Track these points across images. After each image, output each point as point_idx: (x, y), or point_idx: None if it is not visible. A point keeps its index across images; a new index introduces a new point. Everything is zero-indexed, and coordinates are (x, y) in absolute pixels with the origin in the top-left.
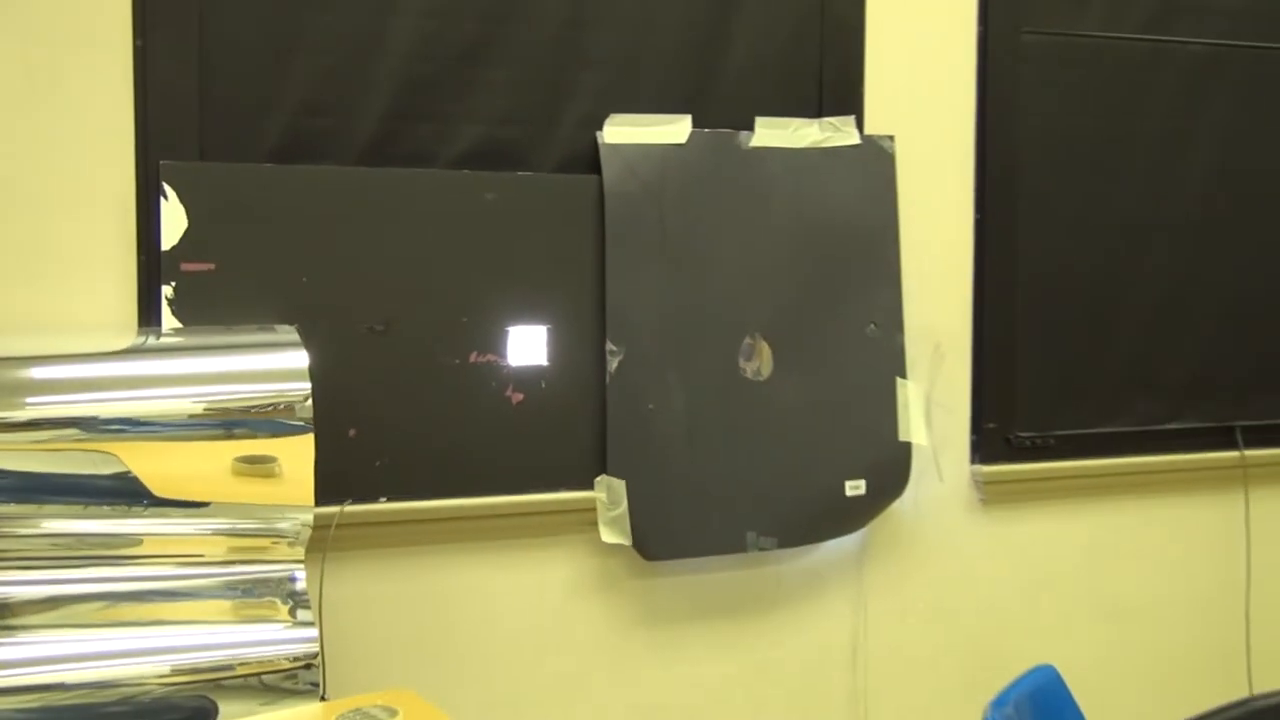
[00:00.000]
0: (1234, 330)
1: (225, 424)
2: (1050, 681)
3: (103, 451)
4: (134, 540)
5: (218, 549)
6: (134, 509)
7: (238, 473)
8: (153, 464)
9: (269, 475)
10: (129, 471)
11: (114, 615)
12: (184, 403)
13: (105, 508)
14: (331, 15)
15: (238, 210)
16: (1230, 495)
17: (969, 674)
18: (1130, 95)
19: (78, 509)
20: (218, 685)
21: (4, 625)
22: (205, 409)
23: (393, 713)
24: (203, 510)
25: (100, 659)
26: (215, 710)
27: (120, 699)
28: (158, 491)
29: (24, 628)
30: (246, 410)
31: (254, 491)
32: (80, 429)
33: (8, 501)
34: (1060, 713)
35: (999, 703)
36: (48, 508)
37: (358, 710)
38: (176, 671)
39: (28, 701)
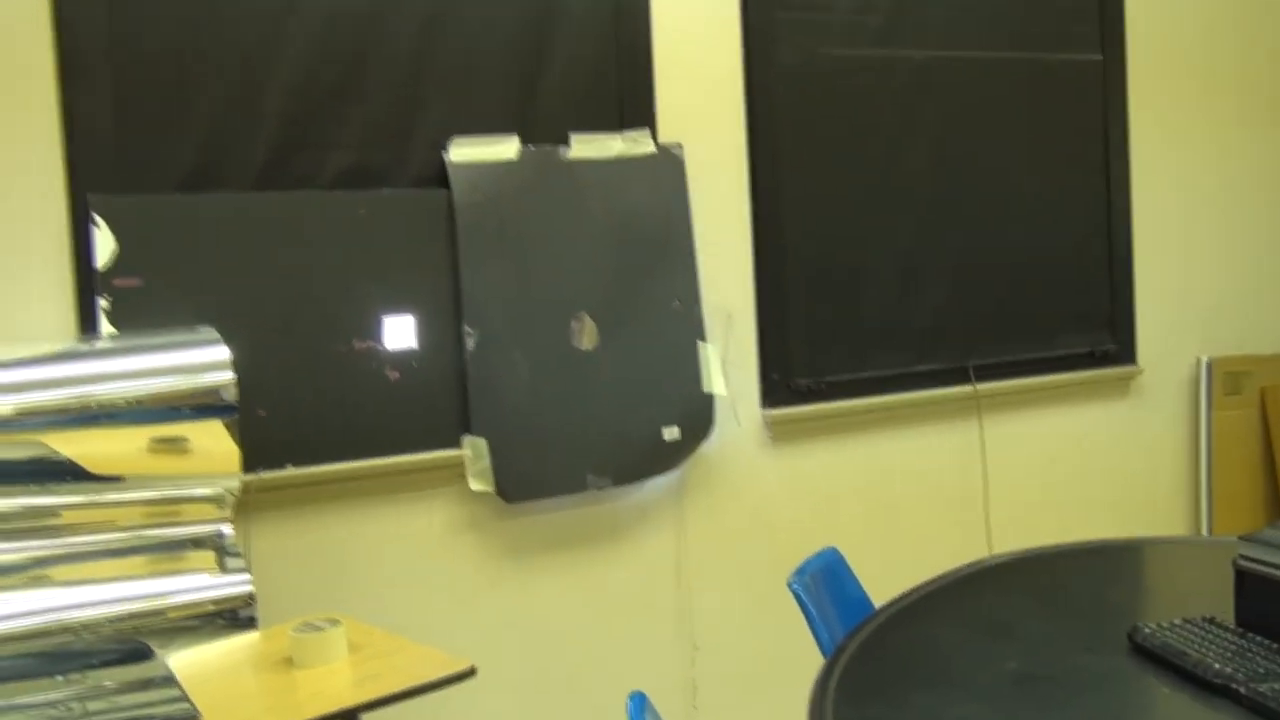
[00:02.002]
0: (962, 288)
1: (151, 411)
2: (835, 558)
3: (33, 440)
4: (53, 512)
5: (132, 515)
6: (51, 486)
7: (153, 450)
8: (76, 449)
9: (182, 451)
10: (50, 455)
11: (41, 577)
12: (113, 393)
13: (26, 487)
14: (222, 67)
15: (158, 233)
16: (967, 420)
17: (772, 579)
18: (864, 100)
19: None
20: (151, 630)
21: None
22: (135, 398)
23: (335, 622)
24: (117, 484)
25: (31, 614)
26: (149, 651)
27: (55, 646)
28: (76, 472)
29: None
30: (172, 396)
31: (167, 465)
32: (14, 424)
33: None
34: (843, 580)
35: (799, 573)
36: None
37: (306, 623)
38: (103, 620)
39: None
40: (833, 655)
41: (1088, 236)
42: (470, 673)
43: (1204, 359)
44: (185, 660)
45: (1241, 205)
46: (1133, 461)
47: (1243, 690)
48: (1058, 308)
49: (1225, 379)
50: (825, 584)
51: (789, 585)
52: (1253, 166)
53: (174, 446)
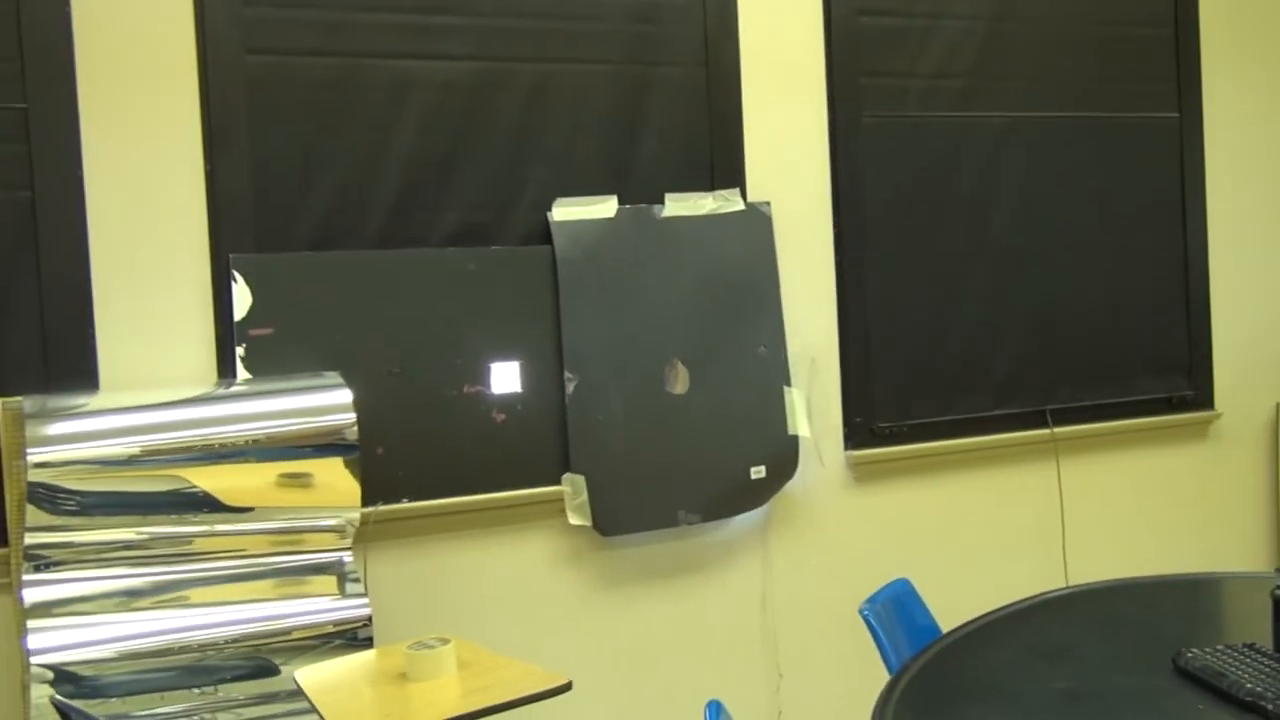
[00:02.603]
0: (1039, 336)
1: (280, 449)
2: (905, 588)
3: (171, 475)
4: (188, 539)
5: (260, 544)
6: (188, 516)
7: (280, 485)
8: (211, 483)
9: (306, 486)
10: (187, 488)
11: (180, 598)
12: (247, 433)
13: (165, 516)
14: (347, 139)
15: (288, 288)
16: (1045, 463)
17: (852, 611)
18: (947, 158)
19: (138, 519)
20: (275, 649)
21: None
22: (265, 437)
23: (445, 641)
24: (247, 515)
25: (168, 633)
26: (275, 667)
27: (192, 661)
28: (211, 504)
29: (100, 610)
30: (300, 436)
31: (294, 498)
32: (162, 458)
33: (105, 514)
34: (911, 609)
35: (870, 600)
36: (117, 518)
37: (419, 641)
38: (236, 638)
39: (127, 666)
40: (896, 674)
41: (1164, 284)
42: (567, 687)
43: None
44: (308, 674)
45: None
46: (1211, 503)
47: (1270, 707)
48: (1135, 354)
49: None
50: (895, 612)
51: (860, 611)
52: None
53: (299, 481)
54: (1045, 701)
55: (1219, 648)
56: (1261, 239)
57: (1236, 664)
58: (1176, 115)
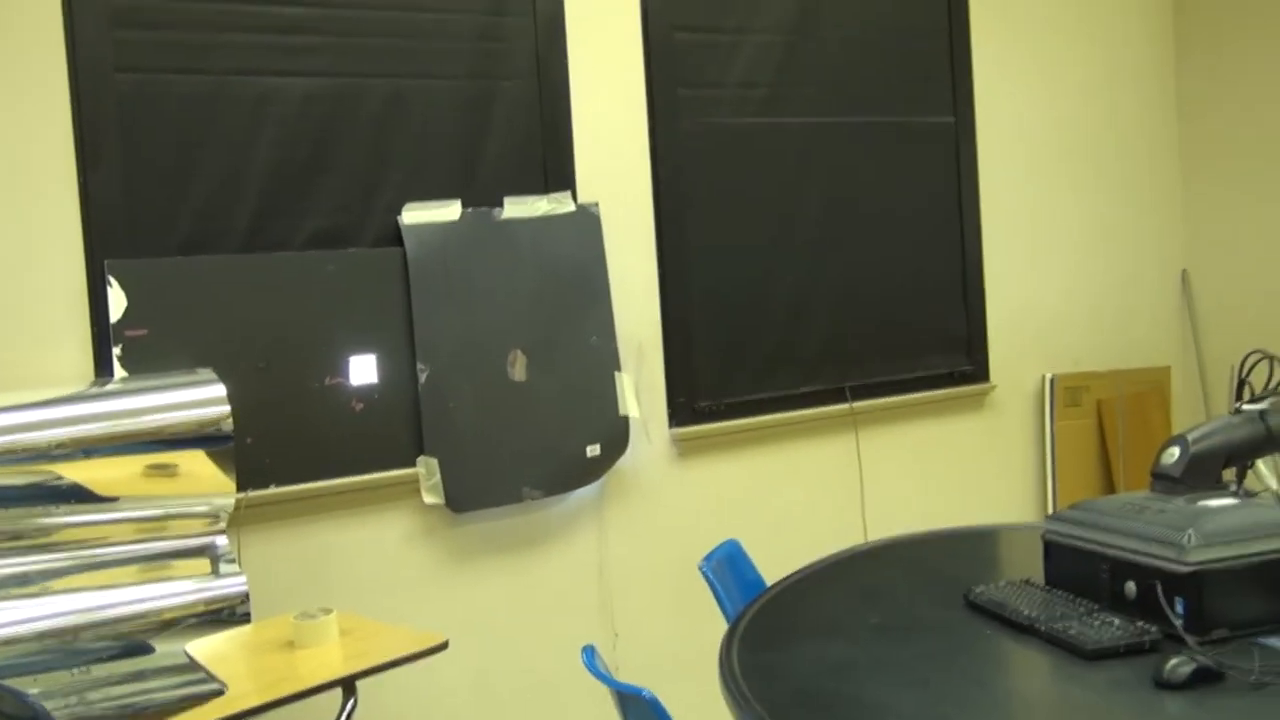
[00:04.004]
0: (840, 320)
1: (158, 442)
2: (736, 548)
3: (37, 469)
4: (47, 530)
5: (125, 531)
6: (50, 508)
7: (156, 475)
8: (84, 474)
9: (182, 475)
10: (51, 480)
11: (43, 588)
12: (124, 428)
13: (27, 509)
14: (214, 150)
15: (160, 291)
16: (845, 433)
17: (680, 574)
18: (756, 159)
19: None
20: (147, 629)
21: None
22: (143, 430)
23: (328, 611)
24: (115, 504)
25: (39, 619)
26: (148, 646)
27: (58, 645)
28: (79, 495)
29: None
30: (178, 428)
31: (168, 487)
32: (31, 455)
33: None
34: (741, 565)
35: (707, 559)
36: None
37: (303, 613)
38: (104, 621)
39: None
40: (735, 619)
41: (945, 272)
42: (443, 646)
43: (1048, 376)
44: (199, 647)
45: (1077, 245)
46: (988, 466)
47: (1042, 629)
48: (921, 334)
49: (1066, 393)
50: (729, 568)
51: (699, 568)
52: (1084, 214)
53: (174, 471)
54: (863, 634)
55: (1001, 584)
56: (1027, 230)
57: (1015, 596)
58: (952, 120)
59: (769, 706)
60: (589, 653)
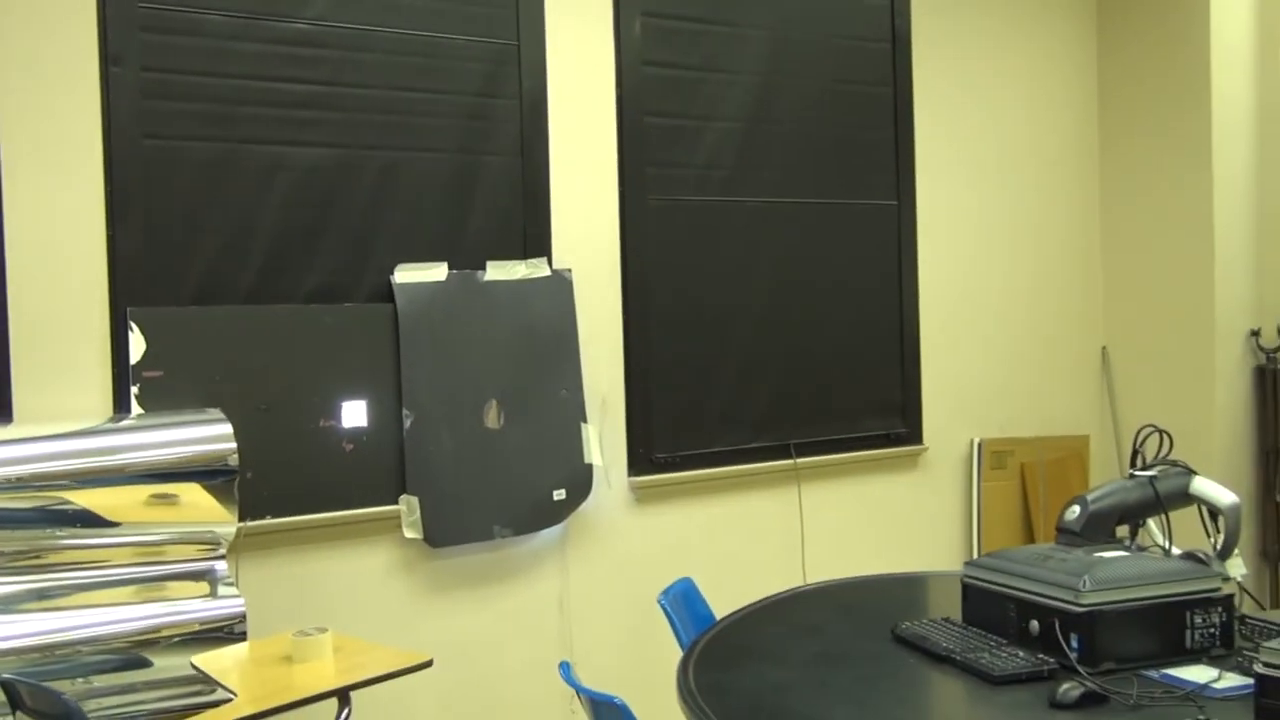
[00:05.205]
0: (787, 382)
1: (170, 473)
2: (690, 585)
3: (48, 495)
4: (49, 551)
5: (124, 555)
6: (57, 531)
7: (165, 504)
8: (94, 500)
9: (189, 505)
10: (57, 504)
11: (45, 605)
12: (141, 460)
13: (36, 531)
14: (227, 211)
15: (175, 336)
16: (789, 487)
17: (635, 609)
18: (715, 234)
19: (10, 534)
20: (145, 645)
21: None
22: (158, 462)
23: (324, 630)
24: (114, 529)
25: (38, 634)
26: (147, 660)
27: (59, 658)
28: (83, 521)
29: None
30: (189, 462)
31: (176, 515)
32: (42, 483)
33: None
34: (694, 601)
35: (664, 593)
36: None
37: (300, 631)
38: (100, 637)
39: (8, 663)
40: (690, 645)
41: (885, 341)
42: (428, 664)
43: (976, 440)
44: (204, 659)
45: (1006, 320)
46: (920, 521)
47: (958, 659)
48: (861, 398)
49: (992, 456)
50: (683, 602)
51: (658, 601)
52: (1013, 293)
53: (183, 500)
54: (804, 661)
55: (924, 621)
56: (961, 305)
57: (936, 631)
58: (895, 203)
59: (724, 718)
60: (565, 667)
